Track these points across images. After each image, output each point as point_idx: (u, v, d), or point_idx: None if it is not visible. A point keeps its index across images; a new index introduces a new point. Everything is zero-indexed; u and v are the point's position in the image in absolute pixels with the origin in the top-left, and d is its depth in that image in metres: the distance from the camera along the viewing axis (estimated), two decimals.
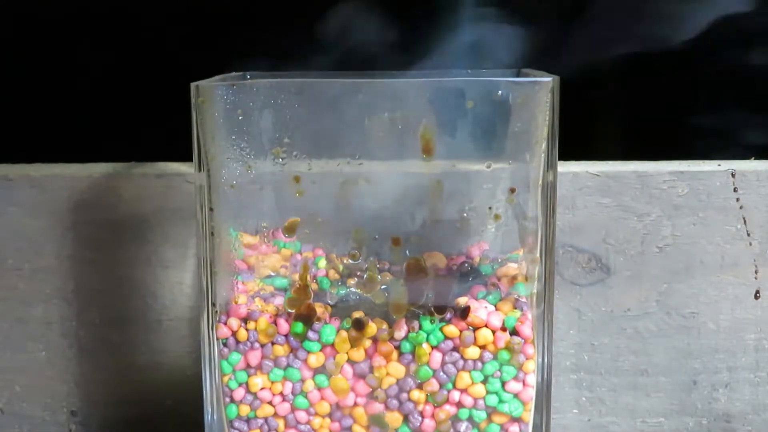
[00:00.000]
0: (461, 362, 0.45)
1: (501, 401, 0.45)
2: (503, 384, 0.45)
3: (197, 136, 0.45)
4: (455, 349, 0.45)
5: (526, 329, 0.45)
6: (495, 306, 0.46)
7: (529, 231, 0.45)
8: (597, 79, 0.66)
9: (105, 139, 0.65)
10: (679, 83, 0.67)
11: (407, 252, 0.45)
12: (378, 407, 0.46)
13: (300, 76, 0.49)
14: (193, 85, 0.44)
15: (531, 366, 0.45)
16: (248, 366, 0.46)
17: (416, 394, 0.45)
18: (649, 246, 0.58)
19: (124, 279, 0.59)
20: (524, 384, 0.45)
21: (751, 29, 0.66)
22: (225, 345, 0.46)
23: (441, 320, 0.45)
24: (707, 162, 0.58)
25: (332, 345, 0.45)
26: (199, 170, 0.45)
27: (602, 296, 0.59)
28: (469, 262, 0.47)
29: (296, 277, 0.46)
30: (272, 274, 0.47)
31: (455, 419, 0.46)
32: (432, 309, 0.45)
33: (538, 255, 0.46)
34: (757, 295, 0.59)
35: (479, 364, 0.45)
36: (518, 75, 0.52)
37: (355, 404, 0.46)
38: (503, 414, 0.46)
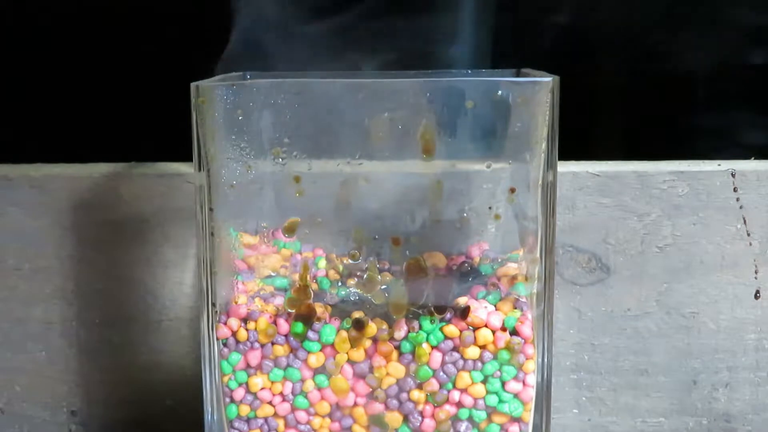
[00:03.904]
0: (461, 362, 0.45)
1: (501, 401, 0.45)
2: (503, 384, 0.45)
3: (197, 136, 0.45)
4: (455, 349, 0.45)
5: (526, 329, 0.45)
6: (495, 306, 0.46)
7: (529, 231, 0.45)
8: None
9: (105, 139, 0.65)
10: (679, 83, 0.67)
11: (407, 252, 0.45)
12: (378, 407, 0.46)
13: (300, 76, 0.49)
14: (193, 85, 0.44)
15: (531, 366, 0.45)
16: (248, 366, 0.46)
17: (416, 394, 0.45)
18: (649, 246, 0.58)
19: (124, 279, 0.59)
20: (524, 384, 0.45)
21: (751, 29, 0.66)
22: (225, 345, 0.46)
23: (441, 320, 0.45)
24: (707, 162, 0.58)
25: (332, 345, 0.45)
26: (199, 170, 0.45)
27: (602, 296, 0.59)
28: (469, 262, 0.47)
29: (296, 277, 0.46)
30: (272, 274, 0.47)
31: (455, 419, 0.46)
32: (432, 309, 0.45)
33: (538, 255, 0.46)
34: (757, 295, 0.59)
35: (479, 364, 0.45)
36: (518, 75, 0.52)
37: (355, 404, 0.46)
38: (503, 414, 0.46)
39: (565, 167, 0.58)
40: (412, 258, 0.45)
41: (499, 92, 0.44)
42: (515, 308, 0.46)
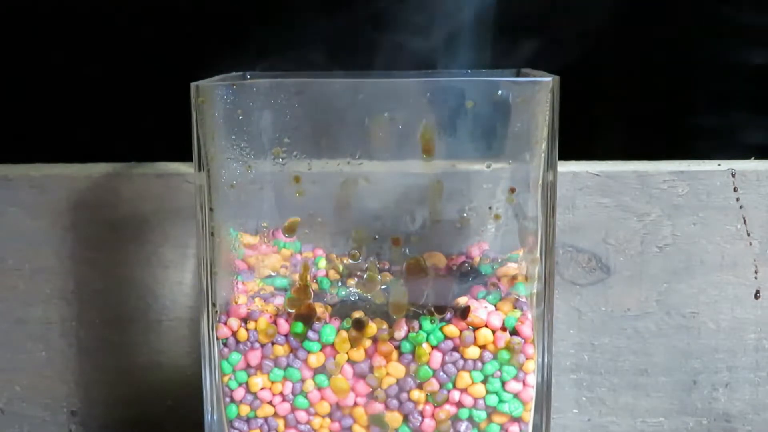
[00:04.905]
0: (461, 362, 0.45)
1: (501, 401, 0.45)
2: (503, 384, 0.45)
3: (197, 136, 0.45)
4: (455, 349, 0.45)
5: (526, 329, 0.45)
6: (495, 306, 0.46)
7: (529, 231, 0.45)
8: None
9: (105, 139, 0.65)
10: (679, 83, 0.67)
11: (407, 252, 0.45)
12: (378, 407, 0.46)
13: (300, 76, 0.49)
14: (193, 85, 0.44)
15: (531, 366, 0.45)
16: (248, 366, 0.46)
17: (416, 394, 0.45)
18: (649, 246, 0.58)
19: (124, 279, 0.59)
20: (524, 384, 0.45)
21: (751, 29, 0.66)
22: (225, 345, 0.46)
23: (441, 320, 0.45)
24: (707, 162, 0.58)
25: (332, 345, 0.45)
26: (199, 170, 0.45)
27: (602, 296, 0.59)
28: (469, 262, 0.47)
29: (296, 277, 0.46)
30: (272, 274, 0.47)
31: (455, 419, 0.46)
32: (432, 309, 0.45)
33: (538, 255, 0.46)
34: (757, 295, 0.59)
35: (479, 364, 0.45)
36: (518, 75, 0.52)
37: (355, 404, 0.46)
38: (503, 414, 0.46)
39: (565, 167, 0.58)
40: (412, 258, 0.45)
41: (499, 92, 0.44)
42: (515, 308, 0.46)
